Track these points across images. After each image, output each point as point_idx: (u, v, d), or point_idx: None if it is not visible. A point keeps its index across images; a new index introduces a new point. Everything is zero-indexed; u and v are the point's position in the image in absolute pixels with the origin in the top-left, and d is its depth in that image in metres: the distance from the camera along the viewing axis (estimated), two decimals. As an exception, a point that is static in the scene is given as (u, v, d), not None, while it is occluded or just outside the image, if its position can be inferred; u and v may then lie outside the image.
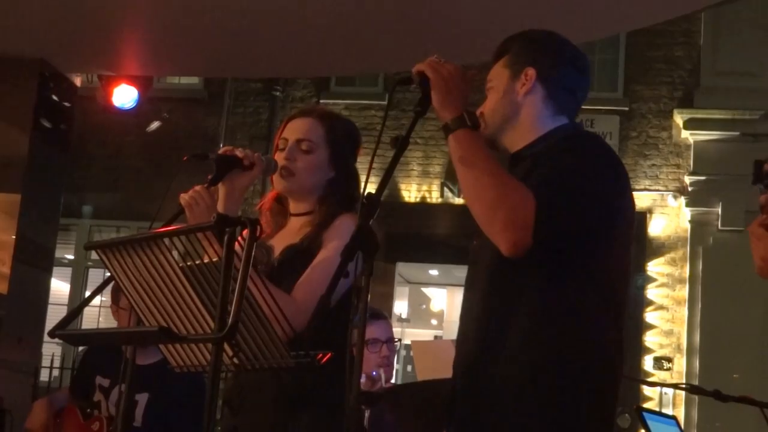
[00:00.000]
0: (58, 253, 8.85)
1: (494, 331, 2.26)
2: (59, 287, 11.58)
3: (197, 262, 2.05)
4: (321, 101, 12.02)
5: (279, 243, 2.86)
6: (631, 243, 2.39)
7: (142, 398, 4.31)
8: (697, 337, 10.84)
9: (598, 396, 2.23)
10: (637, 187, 11.28)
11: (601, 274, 2.28)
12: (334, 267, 2.11)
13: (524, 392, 2.19)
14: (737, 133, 11.07)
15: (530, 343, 2.21)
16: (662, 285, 11.12)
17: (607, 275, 2.30)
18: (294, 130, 2.90)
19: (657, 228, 11.27)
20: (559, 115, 2.44)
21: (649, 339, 10.99)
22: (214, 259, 2.00)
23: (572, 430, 2.19)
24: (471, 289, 2.40)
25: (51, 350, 9.72)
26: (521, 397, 2.19)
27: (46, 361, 9.15)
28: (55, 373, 10.64)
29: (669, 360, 10.93)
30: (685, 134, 11.29)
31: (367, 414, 3.99)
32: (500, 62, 2.50)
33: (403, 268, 12.53)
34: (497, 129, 2.43)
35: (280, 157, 2.86)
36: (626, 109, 11.52)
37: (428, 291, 14.32)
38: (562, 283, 2.23)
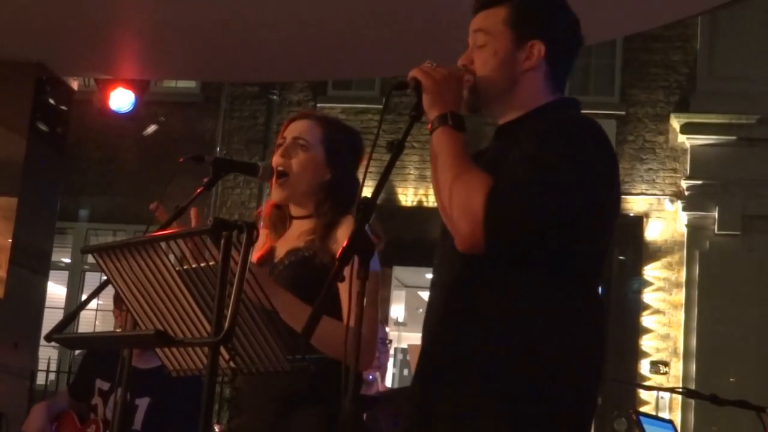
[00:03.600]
0: (54, 257, 8.85)
1: (463, 333, 2.19)
2: (56, 291, 11.57)
3: (194, 265, 2.05)
4: (318, 105, 12.03)
5: (282, 246, 2.89)
6: (611, 237, 2.27)
7: (143, 402, 4.31)
8: (693, 341, 10.85)
9: (576, 398, 2.16)
10: (633, 191, 11.29)
11: (574, 271, 2.18)
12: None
13: (498, 397, 2.12)
14: (734, 138, 11.08)
15: (499, 347, 2.13)
16: (659, 289, 11.13)
17: (581, 272, 2.20)
18: (293, 129, 2.93)
19: (653, 232, 11.27)
20: (556, 92, 2.34)
21: (646, 343, 10.99)
22: (211, 263, 2.00)
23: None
24: (438, 291, 2.32)
25: (47, 354, 9.72)
26: (495, 402, 2.12)
27: (42, 365, 9.14)
28: (52, 377, 10.65)
29: (665, 364, 10.93)
30: (682, 138, 11.30)
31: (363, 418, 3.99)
32: (499, 14, 2.31)
33: (399, 272, 12.53)
34: (491, 98, 2.32)
35: (277, 155, 2.90)
36: (623, 113, 11.53)
37: (425, 295, 14.27)
38: (530, 285, 2.15)
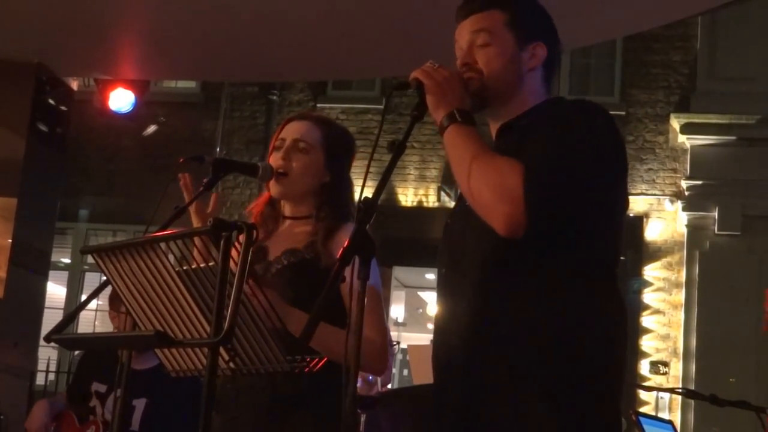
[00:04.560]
0: (54, 257, 8.85)
1: (497, 336, 2.18)
2: (55, 291, 11.57)
3: (193, 266, 2.04)
4: (318, 105, 12.03)
5: (276, 245, 2.86)
6: (623, 222, 2.31)
7: (140, 403, 4.31)
8: (693, 342, 10.85)
9: (606, 398, 2.18)
10: (633, 191, 11.29)
11: (603, 256, 2.22)
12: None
13: (535, 394, 2.12)
14: (734, 138, 11.08)
15: (538, 346, 2.14)
16: (659, 289, 11.13)
17: (605, 256, 2.23)
18: (292, 131, 2.92)
19: (653, 232, 11.28)
20: (549, 94, 2.41)
21: (646, 343, 10.99)
22: (211, 264, 1.99)
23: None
24: (453, 290, 2.30)
25: (47, 354, 9.72)
26: (532, 401, 2.12)
27: (42, 365, 9.15)
28: (51, 377, 10.66)
29: (665, 364, 10.94)
30: (682, 138, 11.31)
31: (363, 418, 3.99)
32: (498, 17, 2.36)
33: (399, 272, 12.53)
34: (498, 95, 2.34)
35: (276, 157, 2.88)
36: (623, 113, 11.52)
37: (425, 295, 14.34)
38: (566, 276, 2.16)
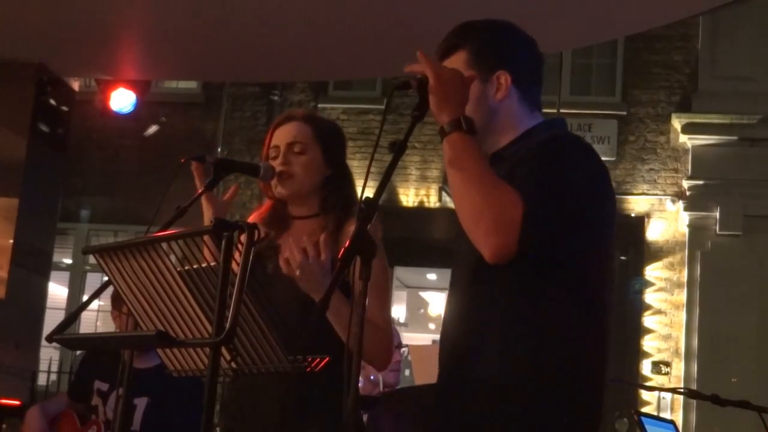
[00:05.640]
0: (55, 258, 8.87)
1: (475, 333, 2.23)
2: (57, 291, 11.58)
3: (195, 266, 2.04)
4: (319, 106, 12.02)
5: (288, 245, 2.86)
6: (614, 248, 2.35)
7: (141, 402, 4.31)
8: (695, 342, 10.85)
9: (578, 403, 2.20)
10: (635, 191, 11.29)
11: (584, 281, 2.24)
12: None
13: (506, 397, 2.16)
14: (735, 138, 11.08)
15: (509, 349, 2.17)
16: (660, 289, 11.13)
17: (591, 282, 2.26)
18: (282, 135, 2.92)
19: (655, 232, 11.27)
20: (534, 111, 2.40)
21: (648, 343, 10.99)
22: (212, 264, 1.99)
23: None
24: (454, 290, 2.37)
25: (49, 354, 9.74)
26: (503, 402, 2.15)
27: (43, 366, 9.15)
28: (53, 377, 10.66)
29: (667, 364, 10.93)
30: (683, 138, 11.30)
31: (364, 418, 3.98)
32: (459, 60, 2.37)
33: (401, 273, 12.52)
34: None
35: (275, 164, 2.87)
36: (624, 113, 11.53)
37: (426, 295, 14.32)
38: (544, 289, 2.19)
